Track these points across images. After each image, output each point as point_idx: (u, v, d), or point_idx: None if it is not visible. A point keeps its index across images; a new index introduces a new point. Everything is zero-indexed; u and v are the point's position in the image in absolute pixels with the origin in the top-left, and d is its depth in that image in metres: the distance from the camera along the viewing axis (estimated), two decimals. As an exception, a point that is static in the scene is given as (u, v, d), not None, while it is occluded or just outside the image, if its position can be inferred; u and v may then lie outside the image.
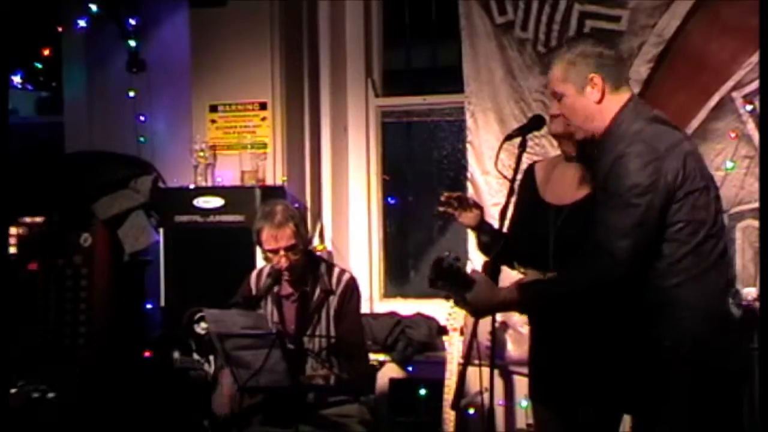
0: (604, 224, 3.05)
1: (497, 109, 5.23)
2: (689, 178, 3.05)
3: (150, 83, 5.94)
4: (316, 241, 5.65)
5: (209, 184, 5.58)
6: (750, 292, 4.46)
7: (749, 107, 4.70)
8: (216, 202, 5.35)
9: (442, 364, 4.89)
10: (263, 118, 5.61)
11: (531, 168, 3.70)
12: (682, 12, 4.78)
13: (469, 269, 3.33)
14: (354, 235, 5.94)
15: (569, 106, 3.22)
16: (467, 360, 3.37)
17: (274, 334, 3.95)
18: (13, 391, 5.10)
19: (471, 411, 5.01)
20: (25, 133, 6.35)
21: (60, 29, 6.17)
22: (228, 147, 5.66)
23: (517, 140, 3.53)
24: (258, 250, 4.46)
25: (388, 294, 5.97)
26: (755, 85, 4.64)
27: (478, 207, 3.73)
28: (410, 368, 5.42)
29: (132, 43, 5.94)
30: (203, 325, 4.10)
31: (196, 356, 4.73)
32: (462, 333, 4.84)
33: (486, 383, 3.82)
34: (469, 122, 5.34)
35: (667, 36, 4.79)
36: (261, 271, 4.49)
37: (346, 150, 5.93)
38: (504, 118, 5.20)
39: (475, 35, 5.28)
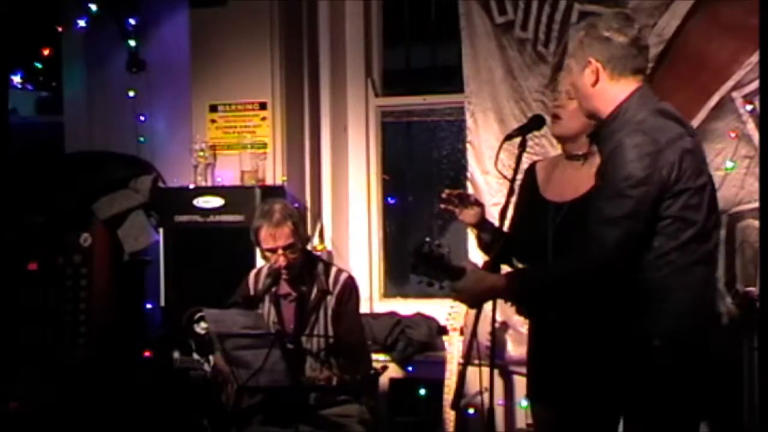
0: (597, 212, 3.06)
1: (497, 108, 5.24)
2: (684, 176, 3.04)
3: (150, 83, 5.94)
4: (316, 241, 5.65)
5: (209, 184, 5.58)
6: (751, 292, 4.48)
7: (749, 107, 4.70)
8: (216, 202, 5.35)
9: (442, 364, 4.89)
10: (263, 118, 5.61)
11: (532, 167, 3.71)
12: (682, 12, 4.78)
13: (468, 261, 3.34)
14: (354, 235, 5.94)
15: (572, 80, 3.25)
16: (467, 360, 3.37)
17: (273, 334, 3.95)
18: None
19: (471, 411, 5.01)
20: (25, 133, 6.35)
21: (60, 29, 6.17)
22: (228, 147, 5.66)
23: (517, 140, 3.53)
24: (257, 250, 4.46)
25: (387, 294, 5.97)
26: (755, 84, 4.63)
27: (479, 204, 3.73)
28: (410, 368, 5.42)
29: (132, 42, 5.94)
30: (203, 324, 4.11)
31: (196, 356, 4.72)
32: (462, 333, 4.85)
33: (486, 383, 3.81)
34: (469, 122, 5.34)
35: (667, 36, 4.79)
36: (260, 270, 4.49)
37: (346, 150, 5.93)
38: (504, 117, 5.20)
39: (474, 35, 5.29)
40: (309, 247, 4.75)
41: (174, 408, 5.06)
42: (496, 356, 3.69)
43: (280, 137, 5.60)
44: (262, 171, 5.54)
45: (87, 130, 6.12)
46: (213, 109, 5.70)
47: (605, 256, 3.02)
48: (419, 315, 5.55)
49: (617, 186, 3.02)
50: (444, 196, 3.70)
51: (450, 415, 4.72)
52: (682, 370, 3.06)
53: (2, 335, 5.26)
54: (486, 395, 4.11)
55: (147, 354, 5.45)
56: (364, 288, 5.52)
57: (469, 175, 5.34)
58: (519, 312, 3.63)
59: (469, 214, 3.70)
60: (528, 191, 3.65)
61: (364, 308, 5.30)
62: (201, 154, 5.58)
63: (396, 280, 6.00)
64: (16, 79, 6.50)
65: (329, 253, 5.69)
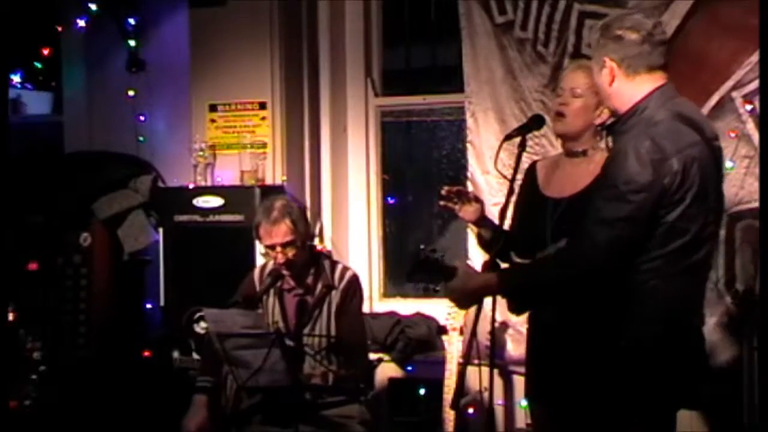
0: (594, 211, 3.06)
1: (497, 108, 5.24)
2: (684, 186, 3.03)
3: (149, 83, 5.94)
4: (315, 241, 5.65)
5: (209, 183, 5.58)
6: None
7: (749, 107, 4.70)
8: (215, 201, 5.35)
9: (441, 363, 4.89)
10: (263, 118, 5.61)
11: (533, 166, 3.71)
12: (682, 11, 4.78)
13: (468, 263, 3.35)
14: (354, 234, 5.94)
15: (595, 80, 3.26)
16: (467, 359, 3.38)
17: (273, 333, 3.95)
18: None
19: (470, 410, 5.01)
20: (25, 132, 6.35)
21: (60, 29, 6.17)
22: (227, 146, 5.66)
23: (517, 140, 3.54)
24: (259, 249, 4.46)
25: (387, 293, 5.97)
26: (755, 84, 4.63)
27: (479, 201, 3.73)
28: (410, 368, 5.42)
29: (131, 42, 5.95)
30: (203, 324, 4.11)
31: (195, 356, 4.73)
32: (461, 332, 4.84)
33: (486, 383, 3.81)
34: (470, 122, 5.34)
35: (667, 36, 4.78)
36: (264, 267, 4.49)
37: (345, 150, 5.94)
38: (504, 117, 5.20)
39: (475, 35, 5.29)
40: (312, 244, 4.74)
41: (173, 408, 5.05)
42: (495, 356, 3.69)
43: (279, 137, 5.60)
44: (262, 171, 5.54)
45: (87, 129, 6.13)
46: (213, 108, 5.70)
47: (597, 255, 3.03)
48: (419, 315, 5.55)
49: (618, 189, 3.02)
50: (443, 193, 3.71)
51: (450, 415, 4.72)
52: (644, 372, 3.07)
53: (2, 335, 5.26)
54: (486, 395, 4.11)
55: (147, 354, 5.45)
56: (364, 288, 5.51)
57: (469, 174, 5.34)
58: (510, 309, 3.63)
59: (468, 211, 3.70)
60: (528, 189, 3.66)
61: (364, 308, 5.30)
62: (201, 153, 5.58)
63: (396, 280, 6.00)
64: (16, 78, 6.51)
65: (329, 252, 5.68)
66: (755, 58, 4.59)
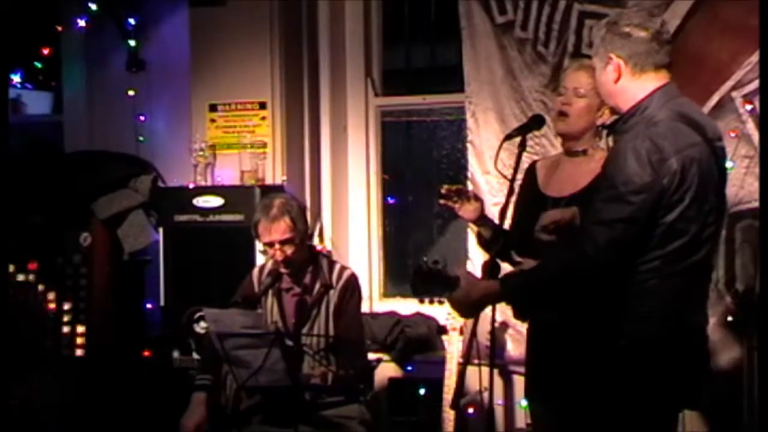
0: (594, 212, 3.05)
1: (497, 108, 5.24)
2: (683, 186, 3.02)
3: (149, 83, 5.93)
4: (315, 241, 5.65)
5: (209, 183, 5.58)
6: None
7: (749, 107, 4.70)
8: (215, 201, 5.34)
9: (441, 363, 4.89)
10: (263, 118, 5.61)
11: (533, 166, 3.72)
12: (682, 11, 4.78)
13: (468, 268, 3.35)
14: (353, 234, 5.94)
15: (596, 78, 3.23)
16: (467, 359, 3.38)
17: (273, 333, 3.95)
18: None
19: (470, 410, 5.01)
20: (25, 132, 6.35)
21: (59, 29, 6.17)
22: (227, 146, 5.66)
23: (517, 140, 3.54)
24: (258, 247, 4.46)
25: (387, 293, 5.97)
26: (755, 84, 4.63)
27: (478, 200, 3.73)
28: (410, 368, 5.43)
29: (132, 42, 5.94)
30: (203, 324, 4.11)
31: (195, 356, 4.73)
32: (461, 332, 4.85)
33: (485, 383, 3.82)
34: (470, 122, 5.34)
35: (671, 35, 4.78)
36: (263, 267, 4.49)
37: (345, 149, 5.94)
38: (504, 117, 5.20)
39: (475, 35, 5.29)
40: (310, 243, 4.74)
41: (173, 408, 5.05)
42: (495, 356, 3.70)
43: (279, 137, 5.60)
44: (262, 170, 5.54)
45: (87, 129, 6.12)
46: (213, 108, 5.70)
47: (597, 257, 3.01)
48: (419, 314, 5.55)
49: (617, 190, 3.00)
50: (443, 191, 3.70)
51: (449, 415, 4.72)
52: (645, 372, 3.06)
53: (2, 335, 5.26)
54: (485, 395, 4.11)
55: (147, 354, 5.44)
56: (364, 287, 5.50)
57: (469, 174, 5.34)
58: (516, 316, 3.63)
59: (468, 210, 3.70)
60: (528, 189, 3.66)
61: (363, 307, 5.30)
62: (201, 153, 5.58)
63: (395, 280, 6.00)
64: (16, 78, 6.51)
65: (329, 252, 5.68)
66: (755, 58, 4.59)
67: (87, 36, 6.09)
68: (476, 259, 5.12)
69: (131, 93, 5.93)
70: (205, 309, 4.07)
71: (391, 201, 5.95)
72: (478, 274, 3.47)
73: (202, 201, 5.36)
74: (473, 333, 3.36)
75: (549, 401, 3.52)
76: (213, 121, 5.70)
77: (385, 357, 5.35)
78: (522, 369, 3.93)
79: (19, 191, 5.44)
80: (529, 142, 3.62)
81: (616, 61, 3.13)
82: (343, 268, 4.45)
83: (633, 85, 3.13)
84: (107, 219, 5.54)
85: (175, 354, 5.29)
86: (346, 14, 5.90)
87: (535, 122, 3.64)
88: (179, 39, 5.79)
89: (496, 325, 3.60)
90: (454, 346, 4.85)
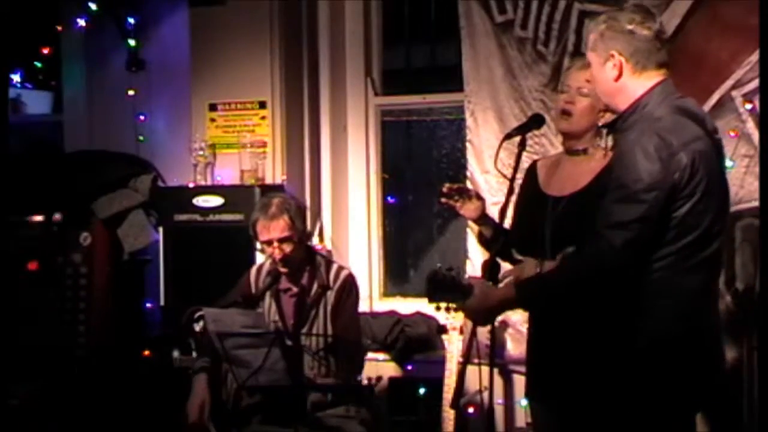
0: (607, 214, 3.01)
1: (497, 108, 5.24)
2: (694, 180, 2.99)
3: (149, 82, 5.94)
4: (315, 240, 5.65)
5: (209, 183, 5.58)
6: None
7: (749, 106, 4.70)
8: (215, 201, 5.35)
9: (441, 363, 4.88)
10: (263, 117, 5.61)
11: (533, 165, 3.71)
12: (682, 11, 4.77)
13: (467, 274, 3.34)
14: (353, 234, 5.94)
15: (593, 75, 3.20)
16: (467, 359, 3.37)
17: (273, 333, 3.95)
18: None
19: (470, 410, 5.01)
20: (25, 132, 6.35)
21: (59, 28, 6.17)
22: (227, 146, 5.66)
23: (517, 139, 3.53)
24: (256, 245, 4.45)
25: (387, 293, 5.97)
26: (755, 84, 4.63)
27: (480, 198, 3.71)
28: (410, 367, 5.42)
29: (131, 42, 5.94)
30: (202, 324, 4.11)
31: (195, 355, 4.72)
32: (461, 332, 4.83)
33: (485, 382, 3.81)
34: (469, 121, 5.34)
35: (667, 35, 4.77)
36: (261, 267, 4.49)
37: (345, 149, 5.93)
38: (504, 117, 5.20)
39: (474, 34, 5.28)
40: (309, 244, 4.74)
41: (173, 407, 5.05)
42: (495, 355, 3.68)
43: (279, 136, 5.60)
44: (262, 170, 5.54)
45: (86, 129, 6.13)
46: (212, 108, 5.70)
47: (615, 259, 2.98)
48: (419, 314, 5.55)
49: (628, 189, 2.97)
50: (444, 190, 3.69)
51: (449, 414, 4.71)
52: (662, 373, 3.02)
53: (2, 335, 5.26)
54: (485, 394, 4.10)
55: (147, 353, 5.44)
56: (363, 287, 5.52)
57: (468, 174, 5.33)
58: (528, 319, 3.63)
59: (469, 209, 3.69)
60: (529, 188, 3.65)
61: (364, 307, 5.30)
62: (201, 153, 5.58)
63: (396, 279, 6.00)
64: (16, 78, 6.51)
65: (329, 252, 5.69)
66: (755, 57, 4.59)
67: (87, 36, 6.09)
68: (476, 258, 5.12)
69: (131, 93, 5.93)
70: (205, 309, 4.07)
71: (391, 201, 5.94)
72: (478, 273, 3.47)
73: (202, 201, 5.36)
74: (473, 332, 3.36)
75: (550, 400, 3.51)
76: (213, 120, 5.70)
77: (385, 356, 5.35)
78: (522, 368, 3.92)
79: (19, 191, 5.44)
80: (529, 142, 3.61)
81: (618, 59, 3.10)
82: (341, 269, 4.45)
83: (633, 83, 3.11)
84: (107, 219, 5.54)
85: (175, 354, 5.29)
86: (346, 14, 5.90)
87: (535, 122, 3.64)
88: (179, 39, 5.79)
89: (496, 324, 3.59)
90: (454, 345, 4.84)
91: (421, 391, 5.28)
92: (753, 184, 4.63)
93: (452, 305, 4.04)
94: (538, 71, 5.13)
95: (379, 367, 5.35)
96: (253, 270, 4.50)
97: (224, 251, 5.22)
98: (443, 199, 3.70)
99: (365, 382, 4.09)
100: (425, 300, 5.53)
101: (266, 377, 3.90)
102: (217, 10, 5.63)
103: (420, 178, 5.98)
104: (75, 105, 6.23)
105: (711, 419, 4.64)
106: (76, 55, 6.21)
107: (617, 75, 3.11)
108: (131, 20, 5.94)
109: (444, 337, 4.97)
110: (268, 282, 4.32)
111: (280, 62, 5.61)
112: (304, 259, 4.36)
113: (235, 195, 5.34)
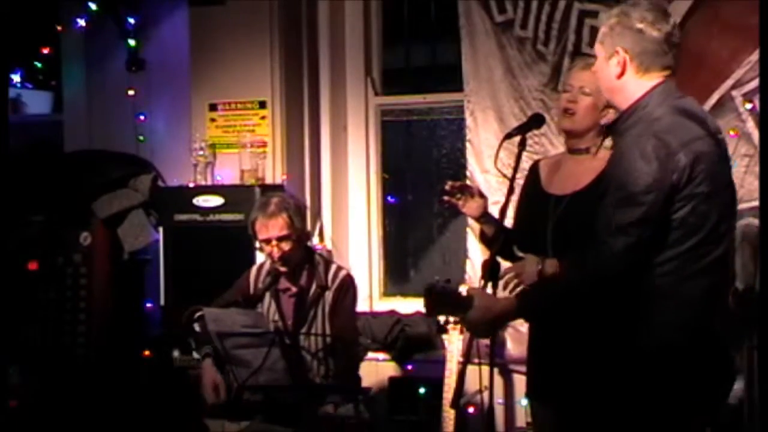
0: (606, 218, 2.98)
1: (497, 107, 5.24)
2: (694, 181, 2.93)
3: (149, 82, 5.94)
4: (315, 240, 5.65)
5: (209, 182, 5.58)
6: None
7: (749, 106, 4.70)
8: (215, 200, 5.35)
9: (441, 362, 4.89)
10: (263, 117, 5.61)
11: (536, 165, 3.71)
12: (682, 10, 4.77)
13: (466, 275, 3.33)
14: (354, 233, 5.94)
15: (597, 67, 3.14)
16: (467, 358, 3.36)
17: (273, 332, 3.95)
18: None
19: (470, 410, 5.01)
20: (25, 132, 6.35)
21: (59, 28, 6.17)
22: (227, 146, 5.66)
23: (517, 139, 3.52)
24: (256, 244, 4.45)
25: (387, 292, 5.97)
26: (755, 83, 4.64)
27: (483, 196, 3.70)
28: (410, 367, 5.42)
29: (131, 42, 5.94)
30: (199, 324, 4.11)
31: (195, 355, 4.72)
32: (461, 331, 4.84)
33: (486, 382, 3.80)
34: (469, 121, 5.34)
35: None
36: (261, 267, 4.49)
37: (345, 149, 5.94)
38: (503, 116, 5.20)
39: (474, 34, 5.29)
40: (309, 244, 4.75)
41: (173, 407, 5.05)
42: (495, 355, 3.68)
43: (279, 136, 5.60)
44: (262, 170, 5.54)
45: (87, 129, 6.13)
46: (212, 107, 5.70)
47: (617, 264, 2.94)
48: (419, 314, 5.54)
49: (627, 191, 2.93)
50: (447, 187, 3.68)
51: (449, 414, 4.72)
52: (668, 376, 2.98)
53: (2, 335, 5.26)
54: (486, 394, 4.11)
55: (147, 353, 5.44)
56: (364, 287, 5.53)
57: (468, 173, 5.34)
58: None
59: (472, 207, 3.68)
60: (531, 187, 3.65)
61: (364, 307, 5.31)
62: (201, 153, 5.58)
63: (396, 279, 6.00)
64: (16, 78, 6.51)
65: (329, 251, 5.69)
66: (755, 57, 4.59)
67: (87, 36, 6.09)
68: (476, 258, 5.13)
69: (131, 92, 5.93)
70: (205, 309, 4.07)
71: (391, 200, 5.95)
72: (479, 273, 3.46)
73: (202, 200, 5.36)
74: (473, 332, 3.36)
75: (550, 400, 3.51)
76: (213, 120, 5.70)
77: (385, 356, 5.35)
78: (522, 368, 3.92)
79: (20, 191, 5.44)
80: (529, 141, 3.59)
81: (623, 56, 3.04)
82: (339, 269, 4.45)
83: (635, 83, 3.05)
84: (107, 218, 5.55)
85: (175, 354, 5.29)
86: (346, 14, 5.90)
87: (535, 121, 3.63)
88: (179, 39, 5.79)
89: (496, 324, 3.59)
90: (454, 345, 4.84)
91: (421, 390, 5.28)
92: (753, 184, 4.63)
93: (452, 317, 4.02)
94: (538, 71, 5.13)
95: (379, 367, 5.36)
96: (254, 269, 4.50)
97: (224, 251, 5.22)
98: (446, 197, 3.69)
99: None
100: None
101: (266, 377, 3.90)
102: (217, 9, 5.63)
103: (420, 178, 5.98)
104: (75, 105, 6.23)
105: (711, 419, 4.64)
106: (76, 55, 6.21)
107: (620, 72, 3.06)
108: (131, 20, 5.94)
109: (444, 336, 4.98)
110: (268, 282, 4.32)
111: (280, 62, 5.61)
112: (303, 259, 4.36)
113: (235, 195, 5.34)
